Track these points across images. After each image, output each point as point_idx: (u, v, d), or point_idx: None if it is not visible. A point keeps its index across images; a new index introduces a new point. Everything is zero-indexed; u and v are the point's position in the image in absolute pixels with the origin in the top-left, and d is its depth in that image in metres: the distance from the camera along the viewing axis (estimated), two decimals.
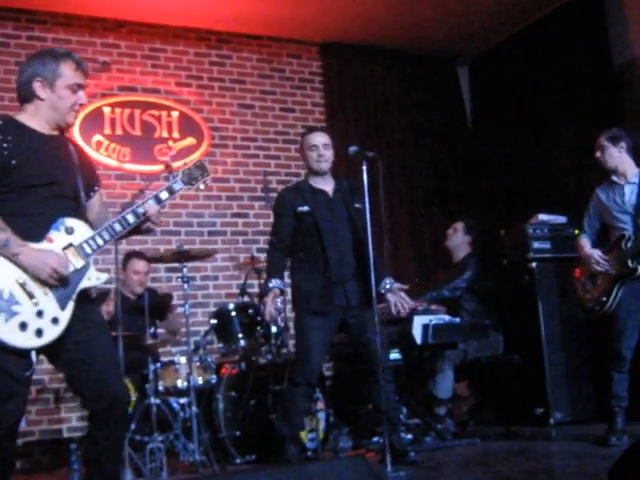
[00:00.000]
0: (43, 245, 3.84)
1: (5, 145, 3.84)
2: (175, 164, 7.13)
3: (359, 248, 6.02)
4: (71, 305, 3.86)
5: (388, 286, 6.08)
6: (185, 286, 6.48)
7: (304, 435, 6.47)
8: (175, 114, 9.04)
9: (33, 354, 3.79)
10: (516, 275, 8.08)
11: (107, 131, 8.68)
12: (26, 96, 4.06)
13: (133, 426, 6.26)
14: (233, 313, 6.96)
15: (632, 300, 6.27)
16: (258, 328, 6.85)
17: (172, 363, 6.75)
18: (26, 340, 3.68)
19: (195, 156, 8.91)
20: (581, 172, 8.67)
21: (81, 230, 3.99)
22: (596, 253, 6.41)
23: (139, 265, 7.40)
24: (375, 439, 6.86)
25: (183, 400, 6.56)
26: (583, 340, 7.90)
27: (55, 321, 3.79)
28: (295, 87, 9.84)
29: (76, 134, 8.39)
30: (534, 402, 7.69)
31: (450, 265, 8.14)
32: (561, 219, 8.18)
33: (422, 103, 10.42)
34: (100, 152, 8.55)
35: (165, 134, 8.96)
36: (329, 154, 6.14)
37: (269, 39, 9.73)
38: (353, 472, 3.93)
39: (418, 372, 7.47)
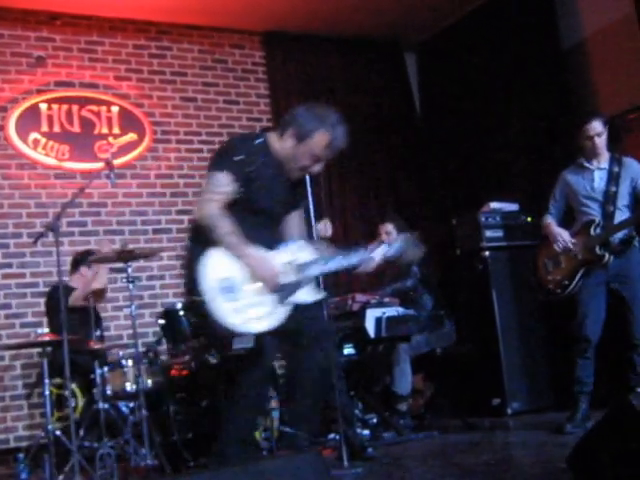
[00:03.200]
0: (272, 255, 4.55)
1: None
2: (116, 161, 7.21)
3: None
4: (282, 311, 4.50)
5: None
6: (130, 286, 6.45)
7: (258, 434, 6.52)
8: (115, 109, 9.04)
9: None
10: (469, 264, 8.19)
11: (44, 129, 8.65)
12: (299, 135, 4.65)
13: (82, 432, 6.27)
14: (181, 313, 6.95)
15: (595, 285, 6.40)
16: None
17: (120, 366, 6.75)
18: (237, 324, 4.35)
19: (137, 152, 8.95)
20: (531, 158, 8.82)
21: (305, 252, 4.70)
22: (565, 233, 6.53)
23: (83, 270, 7.44)
24: (331, 436, 6.94)
25: (132, 404, 6.57)
26: (539, 329, 8.04)
27: (269, 315, 4.44)
28: (238, 78, 9.88)
29: (12, 132, 8.40)
30: (490, 393, 7.83)
31: (391, 261, 8.18)
32: (513, 206, 8.31)
33: (369, 91, 10.49)
34: (38, 151, 8.55)
35: (105, 130, 8.95)
36: None
37: (210, 29, 9.75)
38: (308, 469, 4.00)
39: (373, 366, 7.56)
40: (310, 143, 4.67)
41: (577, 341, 6.38)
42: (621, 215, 6.39)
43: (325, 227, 6.22)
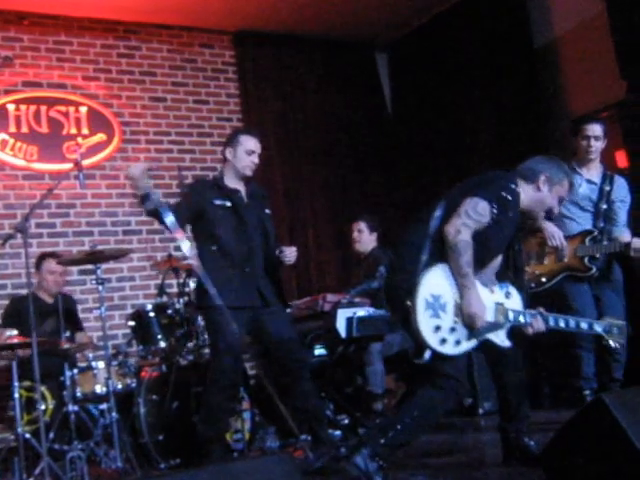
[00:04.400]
0: (486, 292, 4.77)
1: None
2: (85, 162, 7.18)
3: (267, 252, 6.12)
4: (473, 343, 4.72)
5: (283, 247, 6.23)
6: (100, 288, 6.41)
7: (229, 436, 6.50)
8: (83, 109, 9.03)
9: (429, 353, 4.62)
10: None
11: (12, 129, 8.63)
12: (529, 177, 4.98)
13: (52, 435, 6.24)
14: (151, 314, 6.94)
15: (581, 290, 6.43)
16: (178, 328, 6.88)
17: (90, 368, 6.75)
18: (431, 339, 4.57)
19: (106, 152, 8.93)
20: (502, 157, 8.85)
21: (515, 299, 4.91)
22: (561, 233, 6.44)
23: (53, 265, 7.39)
24: (302, 437, 6.93)
25: (103, 406, 6.53)
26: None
27: (458, 343, 4.66)
28: (208, 78, 9.90)
29: None
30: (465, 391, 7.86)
31: (359, 261, 8.21)
32: None
33: (340, 91, 10.54)
34: (6, 152, 8.53)
35: (74, 130, 8.95)
36: (257, 162, 6.23)
37: (179, 28, 9.76)
38: (279, 470, 4.00)
39: (345, 367, 7.57)
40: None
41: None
42: (608, 232, 6.45)
43: (291, 253, 6.21)
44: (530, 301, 6.60)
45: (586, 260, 6.37)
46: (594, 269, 6.35)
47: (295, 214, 10.00)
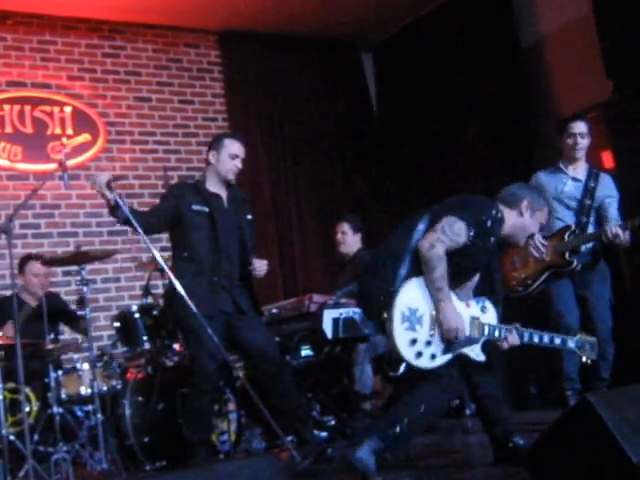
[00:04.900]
0: (462, 306, 4.83)
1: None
2: (69, 162, 7.16)
3: (243, 258, 6.11)
4: (448, 357, 4.77)
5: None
6: (84, 289, 6.41)
7: (215, 437, 6.51)
8: (68, 109, 9.01)
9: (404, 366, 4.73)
10: None
11: None
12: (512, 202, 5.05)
13: (36, 437, 6.23)
14: (137, 315, 6.89)
15: (564, 290, 6.45)
16: (163, 330, 6.87)
17: (75, 370, 6.72)
18: (407, 353, 4.63)
19: (91, 153, 8.91)
20: (489, 156, 8.89)
21: (491, 314, 4.96)
22: (537, 237, 6.53)
23: (37, 267, 7.37)
24: (289, 438, 6.93)
25: (88, 408, 6.50)
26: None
27: (433, 357, 4.72)
28: (194, 78, 9.90)
29: None
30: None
31: (344, 263, 8.21)
32: None
33: (326, 91, 10.55)
34: None
35: (58, 131, 8.93)
36: (240, 167, 6.23)
37: (165, 28, 9.75)
38: (264, 471, 4.01)
39: (331, 368, 7.56)
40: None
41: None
42: (592, 228, 6.47)
43: (261, 266, 6.21)
44: (517, 305, 6.67)
45: (567, 255, 6.39)
46: (575, 262, 6.37)
47: (281, 214, 10.00)
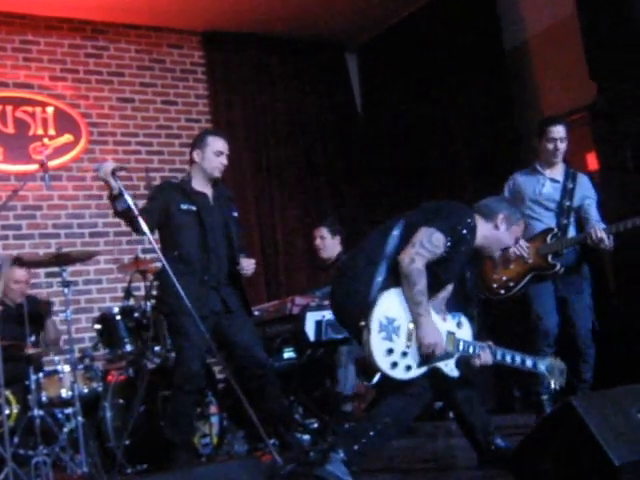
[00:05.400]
0: (439, 320, 4.85)
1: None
2: (51, 163, 7.14)
3: (231, 256, 6.12)
4: (423, 370, 4.78)
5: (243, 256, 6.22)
6: (66, 291, 6.36)
7: (197, 440, 6.49)
8: (50, 110, 8.97)
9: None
10: None
11: None
12: (488, 214, 5.06)
13: (16, 440, 6.18)
14: (118, 317, 6.88)
15: (545, 292, 6.44)
16: (145, 332, 6.85)
17: (55, 372, 6.69)
18: (382, 362, 4.65)
19: (73, 154, 8.88)
20: (473, 158, 8.90)
21: (466, 330, 5.00)
22: (522, 241, 6.49)
23: (19, 274, 7.34)
24: (271, 442, 6.91)
25: (68, 410, 6.50)
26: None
27: (408, 368, 4.72)
28: (177, 79, 9.87)
29: None
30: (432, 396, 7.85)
31: (327, 267, 8.17)
32: None
33: (310, 92, 10.55)
34: None
35: (40, 131, 8.88)
36: (226, 163, 6.21)
37: (148, 29, 9.72)
38: (245, 474, 4.00)
39: (313, 370, 7.55)
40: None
41: (538, 336, 6.37)
42: (573, 229, 6.47)
43: (248, 265, 6.21)
44: (497, 308, 6.67)
45: (550, 257, 6.38)
46: (558, 265, 6.36)
47: (265, 216, 9.98)
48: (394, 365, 4.67)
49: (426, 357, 4.73)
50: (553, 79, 8.60)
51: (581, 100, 7.88)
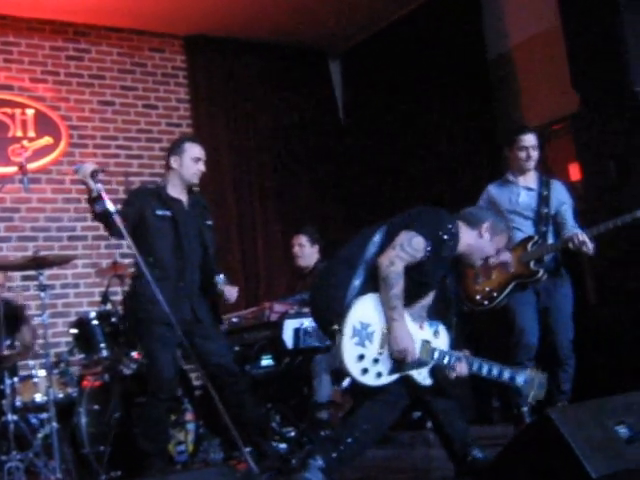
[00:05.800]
0: (415, 327, 4.83)
1: None
2: (30, 165, 7.09)
3: (205, 264, 6.10)
4: (394, 377, 4.76)
5: (222, 279, 6.18)
6: (42, 294, 6.33)
7: (172, 447, 6.46)
8: (30, 112, 8.93)
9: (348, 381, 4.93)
10: None
11: None
12: (473, 222, 5.05)
13: None
14: (95, 322, 6.83)
15: (526, 302, 6.43)
16: (121, 337, 6.81)
17: (30, 377, 6.64)
18: (353, 368, 4.65)
19: (52, 156, 8.83)
20: (456, 166, 8.91)
21: (443, 339, 4.98)
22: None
23: None
24: (247, 450, 6.87)
25: (43, 415, 6.44)
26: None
27: (379, 375, 4.72)
28: (158, 82, 9.84)
29: None
30: (410, 406, 7.83)
31: (304, 275, 8.13)
32: None
33: (293, 98, 10.53)
34: None
35: (19, 133, 8.84)
36: (203, 170, 6.18)
37: (130, 32, 9.69)
38: None
39: (291, 378, 7.52)
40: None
41: (520, 349, 6.36)
42: (552, 236, 6.47)
43: (231, 295, 6.20)
44: (478, 319, 6.66)
45: (532, 264, 6.38)
46: (541, 272, 6.36)
47: (245, 221, 9.96)
48: (364, 371, 4.66)
49: (398, 364, 4.72)
50: (536, 89, 8.63)
51: (564, 110, 7.89)
